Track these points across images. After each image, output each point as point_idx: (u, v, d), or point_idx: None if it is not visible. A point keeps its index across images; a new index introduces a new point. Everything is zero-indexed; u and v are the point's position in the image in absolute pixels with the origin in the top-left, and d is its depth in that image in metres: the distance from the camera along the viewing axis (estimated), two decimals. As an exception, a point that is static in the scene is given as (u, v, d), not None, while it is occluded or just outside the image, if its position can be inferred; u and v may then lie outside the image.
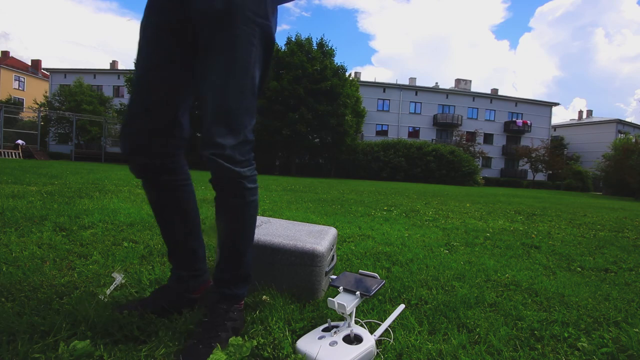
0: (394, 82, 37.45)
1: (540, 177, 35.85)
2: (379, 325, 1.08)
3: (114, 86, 35.88)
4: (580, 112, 48.65)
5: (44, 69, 40.29)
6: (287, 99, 22.42)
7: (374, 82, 36.04)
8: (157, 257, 1.67)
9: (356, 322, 1.05)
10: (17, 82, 40.23)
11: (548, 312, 1.35)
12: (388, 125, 35.89)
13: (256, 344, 0.92)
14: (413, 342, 1.02)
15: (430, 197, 7.74)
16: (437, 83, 41.05)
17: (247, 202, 0.95)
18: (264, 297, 1.19)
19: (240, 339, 0.92)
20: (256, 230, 1.39)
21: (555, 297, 1.51)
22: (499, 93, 39.90)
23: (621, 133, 37.76)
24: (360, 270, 1.20)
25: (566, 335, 1.14)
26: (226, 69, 0.87)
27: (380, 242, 2.46)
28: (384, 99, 35.97)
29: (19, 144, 21.00)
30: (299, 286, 1.27)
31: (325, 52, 23.52)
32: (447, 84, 55.95)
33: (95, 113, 28.27)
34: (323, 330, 0.99)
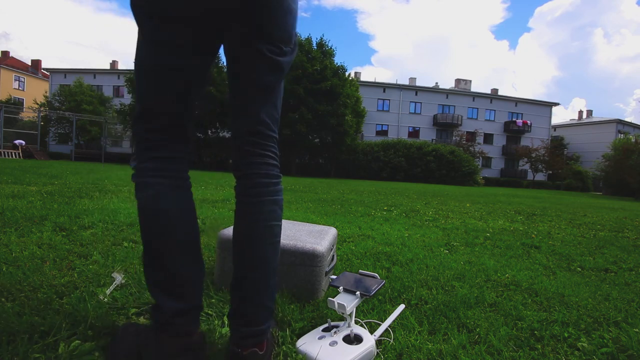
0: (394, 82, 37.46)
1: (540, 177, 35.85)
2: (379, 325, 1.08)
3: (114, 86, 35.88)
4: (580, 112, 48.66)
5: (44, 69, 40.30)
6: (287, 99, 22.43)
7: (374, 82, 36.04)
8: (157, 257, 1.67)
9: (356, 322, 1.05)
10: (17, 82, 40.23)
11: (548, 312, 1.35)
12: (388, 125, 35.88)
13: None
14: (413, 342, 1.02)
15: (430, 197, 7.74)
16: (437, 83, 41.08)
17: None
18: None
19: None
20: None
21: (555, 297, 1.51)
22: (499, 93, 39.90)
23: (621, 133, 37.77)
24: (360, 270, 1.20)
25: (566, 335, 1.14)
26: None
27: (380, 242, 2.46)
28: (384, 99, 35.97)
29: (17, 145, 20.91)
30: (299, 286, 1.27)
31: (325, 52, 23.54)
32: (447, 84, 56.00)
33: (95, 113, 28.28)
34: (323, 330, 0.99)
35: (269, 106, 0.85)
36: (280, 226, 0.88)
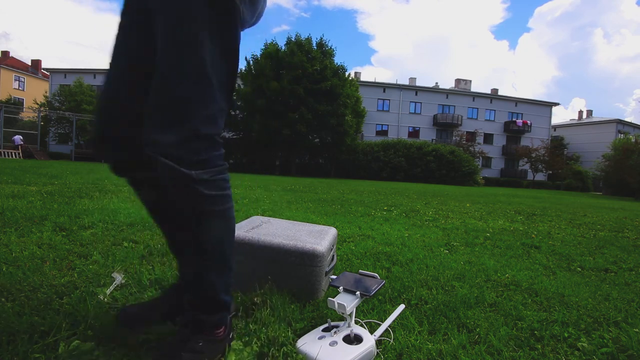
0: (394, 82, 37.46)
1: (540, 177, 35.84)
2: (379, 325, 1.08)
3: (114, 86, 35.77)
4: (580, 112, 48.66)
5: (44, 69, 40.29)
6: (287, 99, 22.42)
7: (374, 82, 36.03)
8: (157, 257, 1.67)
9: (356, 322, 1.05)
10: (17, 82, 40.23)
11: (548, 312, 1.35)
12: (388, 125, 35.88)
13: (257, 349, 0.92)
14: (413, 342, 1.02)
15: (430, 197, 7.74)
16: (437, 83, 41.08)
17: (204, 212, 0.78)
18: (255, 298, 1.19)
19: (241, 343, 0.92)
20: (256, 230, 1.39)
21: (555, 297, 1.51)
22: (499, 93, 39.91)
23: (621, 133, 37.78)
24: (360, 270, 1.20)
25: (566, 335, 1.14)
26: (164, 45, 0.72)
27: (380, 242, 2.46)
28: (384, 99, 35.97)
29: (18, 144, 20.80)
30: (299, 286, 1.27)
31: (325, 52, 23.52)
32: (447, 84, 56.00)
33: (95, 113, 28.23)
34: (323, 330, 0.99)
35: None
36: None
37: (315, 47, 23.39)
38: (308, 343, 0.94)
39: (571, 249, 2.68)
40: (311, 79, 22.15)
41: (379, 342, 1.01)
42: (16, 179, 5.13)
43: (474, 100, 37.62)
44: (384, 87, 35.99)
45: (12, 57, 41.47)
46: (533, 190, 23.03)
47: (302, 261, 1.26)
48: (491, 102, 38.11)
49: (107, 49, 0.89)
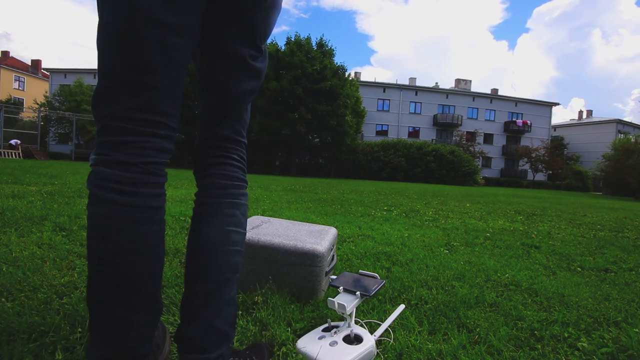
0: (394, 82, 37.46)
1: (540, 177, 35.85)
2: (379, 325, 1.08)
3: (114, 86, 35.71)
4: (580, 112, 48.67)
5: (44, 69, 40.28)
6: (286, 99, 22.42)
7: (374, 82, 36.03)
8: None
9: (356, 322, 1.05)
10: (17, 82, 40.24)
11: (548, 312, 1.34)
12: (388, 125, 35.88)
13: None
14: (413, 342, 1.02)
15: (430, 197, 7.74)
16: (437, 83, 41.07)
17: None
18: (256, 297, 1.19)
19: (239, 345, 0.92)
20: (256, 230, 1.39)
21: (555, 297, 1.51)
22: (499, 93, 39.90)
23: (621, 133, 37.79)
24: (360, 270, 1.20)
25: (566, 335, 1.14)
26: None
27: (380, 242, 2.46)
28: (384, 99, 35.97)
29: (13, 144, 20.67)
30: (299, 286, 1.27)
31: (324, 52, 23.53)
32: (447, 84, 56.04)
33: (95, 113, 28.16)
34: (323, 330, 0.99)
35: (243, 112, 0.83)
36: (241, 234, 0.78)
37: (315, 47, 23.40)
38: (308, 343, 0.94)
39: (571, 249, 2.68)
40: (311, 79, 22.15)
41: (379, 342, 1.01)
42: (16, 179, 5.12)
43: (474, 100, 37.62)
44: (384, 87, 35.98)
45: (12, 57, 41.47)
46: (533, 190, 23.03)
47: (302, 261, 1.26)
48: (491, 102, 38.11)
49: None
